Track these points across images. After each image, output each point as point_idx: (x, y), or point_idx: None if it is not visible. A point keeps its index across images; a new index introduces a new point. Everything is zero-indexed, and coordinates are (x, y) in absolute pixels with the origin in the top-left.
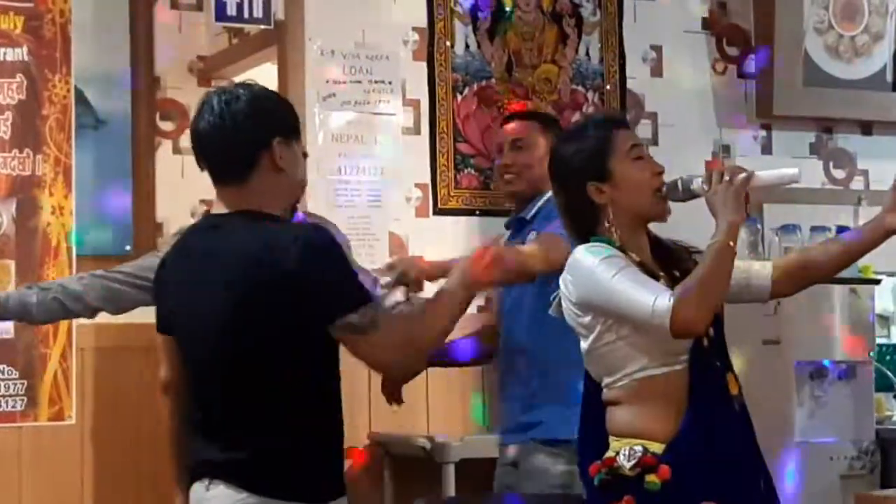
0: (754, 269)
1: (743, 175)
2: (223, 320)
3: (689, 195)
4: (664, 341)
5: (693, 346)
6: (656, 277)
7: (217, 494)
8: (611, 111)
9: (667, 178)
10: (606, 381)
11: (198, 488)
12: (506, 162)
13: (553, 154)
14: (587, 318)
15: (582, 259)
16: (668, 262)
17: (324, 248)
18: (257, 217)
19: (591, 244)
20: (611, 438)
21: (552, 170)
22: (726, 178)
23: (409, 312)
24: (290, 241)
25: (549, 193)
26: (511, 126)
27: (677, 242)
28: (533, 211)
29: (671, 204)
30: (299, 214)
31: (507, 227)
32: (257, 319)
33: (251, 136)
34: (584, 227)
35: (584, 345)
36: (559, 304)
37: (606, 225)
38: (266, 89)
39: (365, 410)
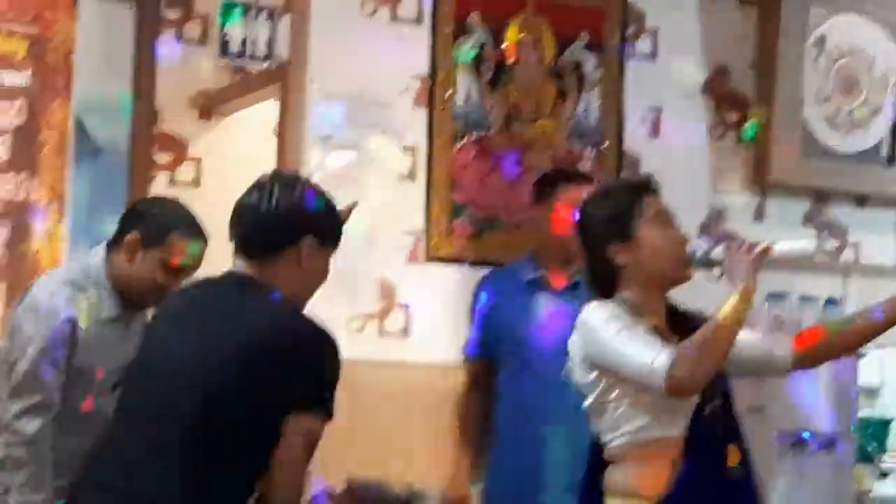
0: (776, 343)
1: (762, 246)
2: (216, 375)
3: (707, 263)
4: (664, 403)
5: (694, 413)
6: (669, 342)
7: None
8: (641, 176)
9: None
10: (606, 437)
11: None
12: None
13: (581, 213)
14: (592, 375)
15: (589, 316)
16: (683, 328)
17: (332, 346)
18: (270, 291)
19: (600, 302)
20: (606, 496)
21: (580, 229)
22: (744, 248)
23: None
24: (310, 327)
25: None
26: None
27: (695, 311)
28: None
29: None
30: None
31: (570, 287)
32: (251, 387)
33: (286, 223)
34: (605, 287)
35: (587, 402)
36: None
37: (627, 288)
38: (322, 191)
39: (344, 454)
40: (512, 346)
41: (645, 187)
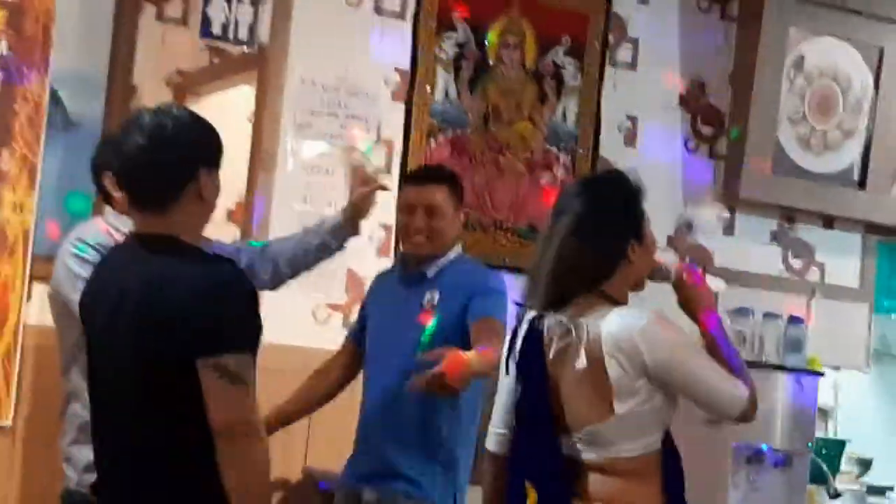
0: None
1: (689, 272)
2: (123, 351)
3: (663, 279)
4: (669, 419)
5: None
6: None
7: None
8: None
9: None
10: (618, 447)
11: None
12: (418, 226)
13: (588, 202)
14: (639, 383)
15: (659, 325)
16: None
17: (220, 284)
18: (171, 245)
19: (659, 313)
20: None
21: (579, 216)
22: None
23: None
24: (187, 275)
25: (453, 255)
26: (427, 192)
27: None
28: (435, 270)
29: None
30: (215, 245)
31: (402, 279)
32: (147, 352)
33: (179, 166)
34: (598, 275)
35: (620, 407)
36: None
37: (614, 282)
38: (195, 116)
39: (300, 444)
40: (369, 338)
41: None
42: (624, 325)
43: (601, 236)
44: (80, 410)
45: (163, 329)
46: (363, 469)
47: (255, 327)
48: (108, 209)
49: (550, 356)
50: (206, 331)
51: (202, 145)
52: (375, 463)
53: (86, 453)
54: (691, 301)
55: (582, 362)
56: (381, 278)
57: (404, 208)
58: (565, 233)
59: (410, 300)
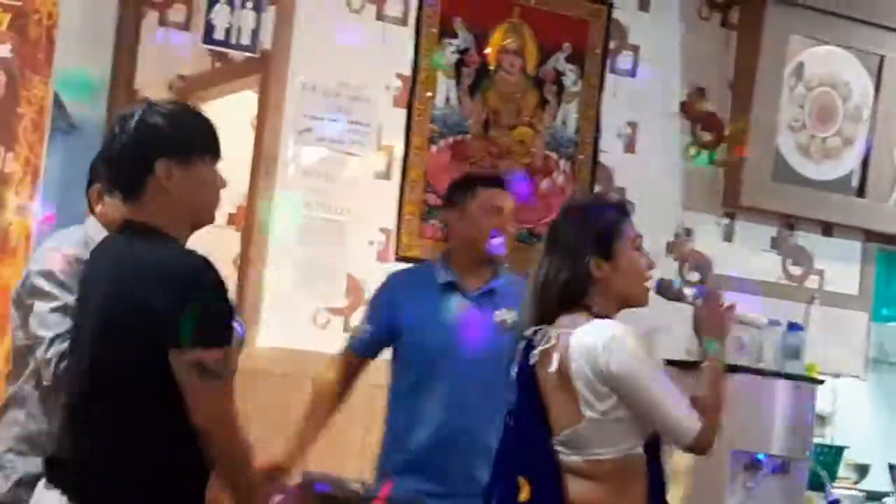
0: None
1: (729, 304)
2: (94, 340)
3: (677, 298)
4: (647, 427)
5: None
6: None
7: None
8: (622, 200)
9: None
10: (594, 451)
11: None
12: (510, 229)
13: (561, 223)
14: (604, 389)
15: (622, 340)
16: None
17: (191, 271)
18: (145, 231)
19: (627, 327)
20: None
21: (556, 236)
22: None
23: None
24: (154, 257)
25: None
26: (511, 198)
27: None
28: (498, 284)
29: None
30: None
31: (456, 287)
32: (116, 343)
33: (130, 157)
34: (572, 296)
35: (588, 411)
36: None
37: (595, 299)
38: (167, 108)
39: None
40: (420, 349)
41: (626, 210)
42: (594, 333)
43: (564, 256)
44: (23, 418)
45: (129, 308)
46: (439, 487)
47: (228, 317)
48: (91, 219)
49: (533, 362)
50: (178, 321)
51: (160, 137)
52: (459, 480)
53: (24, 465)
54: (699, 318)
55: (554, 367)
56: (412, 282)
57: (491, 210)
58: (542, 254)
59: (481, 312)
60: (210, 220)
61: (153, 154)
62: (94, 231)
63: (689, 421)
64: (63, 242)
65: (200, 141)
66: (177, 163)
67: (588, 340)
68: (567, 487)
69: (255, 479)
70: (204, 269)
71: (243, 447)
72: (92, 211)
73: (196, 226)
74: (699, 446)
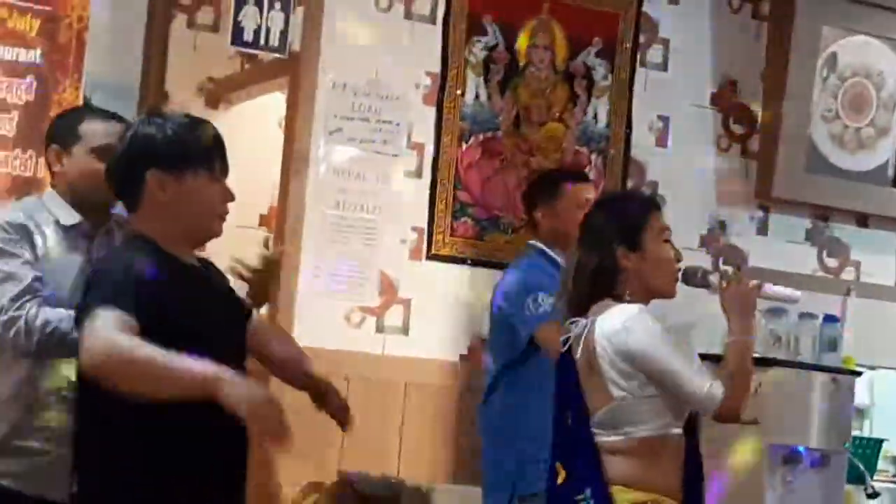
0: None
1: (755, 282)
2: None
3: (703, 284)
4: (680, 404)
5: (689, 414)
6: None
7: None
8: (649, 193)
9: None
10: (626, 430)
11: None
12: None
13: (592, 215)
14: (629, 369)
15: (639, 319)
16: None
17: (98, 267)
18: (134, 238)
19: (642, 307)
20: (617, 488)
21: (588, 228)
22: (740, 281)
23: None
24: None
25: None
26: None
27: None
28: None
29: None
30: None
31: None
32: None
33: (125, 168)
34: (602, 286)
35: (617, 391)
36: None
37: (624, 288)
38: (165, 120)
39: (335, 447)
40: None
41: (654, 203)
42: (615, 315)
43: (594, 247)
44: None
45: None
46: None
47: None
48: (48, 191)
49: (566, 350)
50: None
51: (150, 148)
52: None
53: None
54: (724, 301)
55: (583, 352)
56: (544, 267)
57: (584, 205)
58: (575, 246)
59: None
60: (210, 233)
61: (143, 165)
62: (50, 201)
63: (712, 388)
64: (6, 210)
65: (194, 155)
66: (169, 175)
67: (609, 323)
68: (604, 466)
69: (200, 377)
70: (115, 261)
71: (141, 360)
72: (52, 174)
73: (194, 239)
74: (725, 413)
